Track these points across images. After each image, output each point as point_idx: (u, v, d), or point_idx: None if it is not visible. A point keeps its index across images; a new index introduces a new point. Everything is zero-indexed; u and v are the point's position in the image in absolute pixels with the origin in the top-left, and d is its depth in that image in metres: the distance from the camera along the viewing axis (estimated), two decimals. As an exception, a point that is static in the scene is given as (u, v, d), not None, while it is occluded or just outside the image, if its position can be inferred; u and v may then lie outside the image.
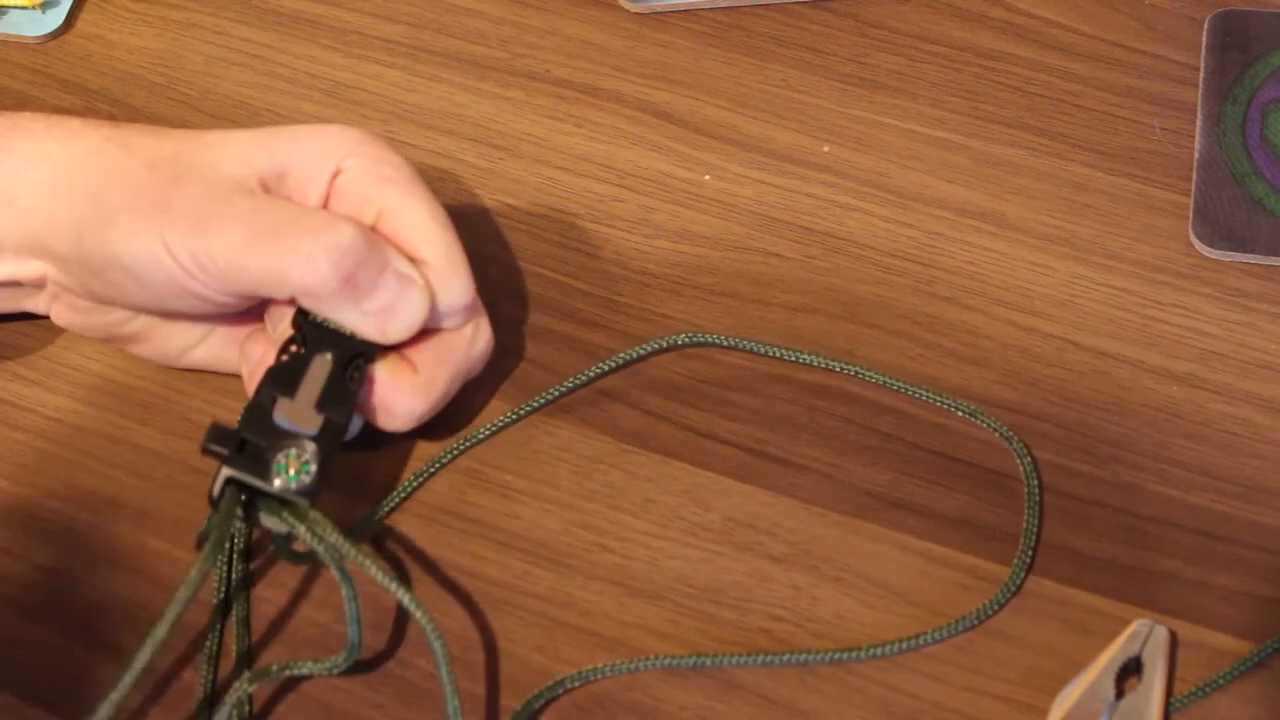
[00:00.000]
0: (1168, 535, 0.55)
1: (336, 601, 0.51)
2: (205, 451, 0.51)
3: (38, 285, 0.55)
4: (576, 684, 0.53)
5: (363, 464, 0.57)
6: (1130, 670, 0.52)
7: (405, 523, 0.56)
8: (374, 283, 0.52)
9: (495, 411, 0.58)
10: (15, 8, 0.68)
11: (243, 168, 0.52)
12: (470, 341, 0.55)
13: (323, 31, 0.68)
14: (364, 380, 0.53)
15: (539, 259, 0.62)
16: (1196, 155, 0.62)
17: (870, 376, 0.58)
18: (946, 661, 0.53)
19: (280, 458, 0.51)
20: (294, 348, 0.53)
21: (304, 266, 0.51)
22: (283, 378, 0.52)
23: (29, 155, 0.53)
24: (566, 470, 0.57)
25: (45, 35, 0.68)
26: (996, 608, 0.53)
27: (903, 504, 0.56)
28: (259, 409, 0.51)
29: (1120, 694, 0.52)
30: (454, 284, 0.54)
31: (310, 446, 0.51)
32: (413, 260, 0.53)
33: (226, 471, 0.50)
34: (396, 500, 0.56)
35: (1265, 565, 0.54)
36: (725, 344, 0.59)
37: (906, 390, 0.57)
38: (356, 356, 0.53)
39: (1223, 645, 0.53)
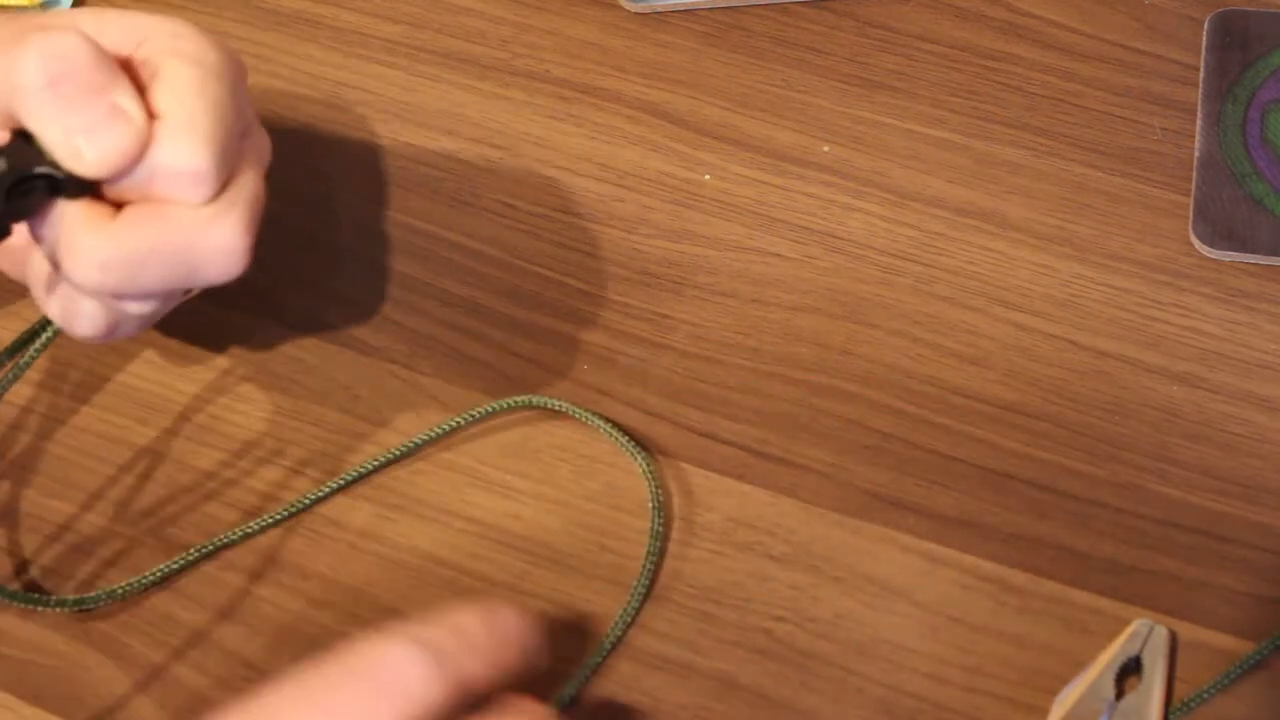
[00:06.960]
0: (1168, 535, 0.55)
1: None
2: None
3: None
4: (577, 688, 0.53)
5: (346, 455, 0.57)
6: (1130, 670, 0.52)
7: (404, 522, 0.56)
8: (82, 100, 0.49)
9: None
10: (15, 8, 0.68)
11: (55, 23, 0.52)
12: (203, 224, 0.50)
13: (323, 31, 0.68)
14: (35, 202, 0.49)
15: (539, 259, 0.62)
16: (1196, 155, 0.62)
17: None
18: (946, 661, 0.53)
19: None
20: None
21: (19, 61, 0.49)
22: None
23: None
24: (566, 470, 0.57)
25: (45, 35, 0.68)
26: None
27: (903, 504, 0.56)
28: None
29: (1120, 694, 0.52)
30: (182, 142, 0.49)
31: None
32: (155, 115, 0.50)
33: None
34: (351, 478, 0.56)
35: (1265, 565, 0.54)
36: (558, 408, 0.58)
37: None
38: (41, 178, 0.49)
39: (1223, 645, 0.53)
